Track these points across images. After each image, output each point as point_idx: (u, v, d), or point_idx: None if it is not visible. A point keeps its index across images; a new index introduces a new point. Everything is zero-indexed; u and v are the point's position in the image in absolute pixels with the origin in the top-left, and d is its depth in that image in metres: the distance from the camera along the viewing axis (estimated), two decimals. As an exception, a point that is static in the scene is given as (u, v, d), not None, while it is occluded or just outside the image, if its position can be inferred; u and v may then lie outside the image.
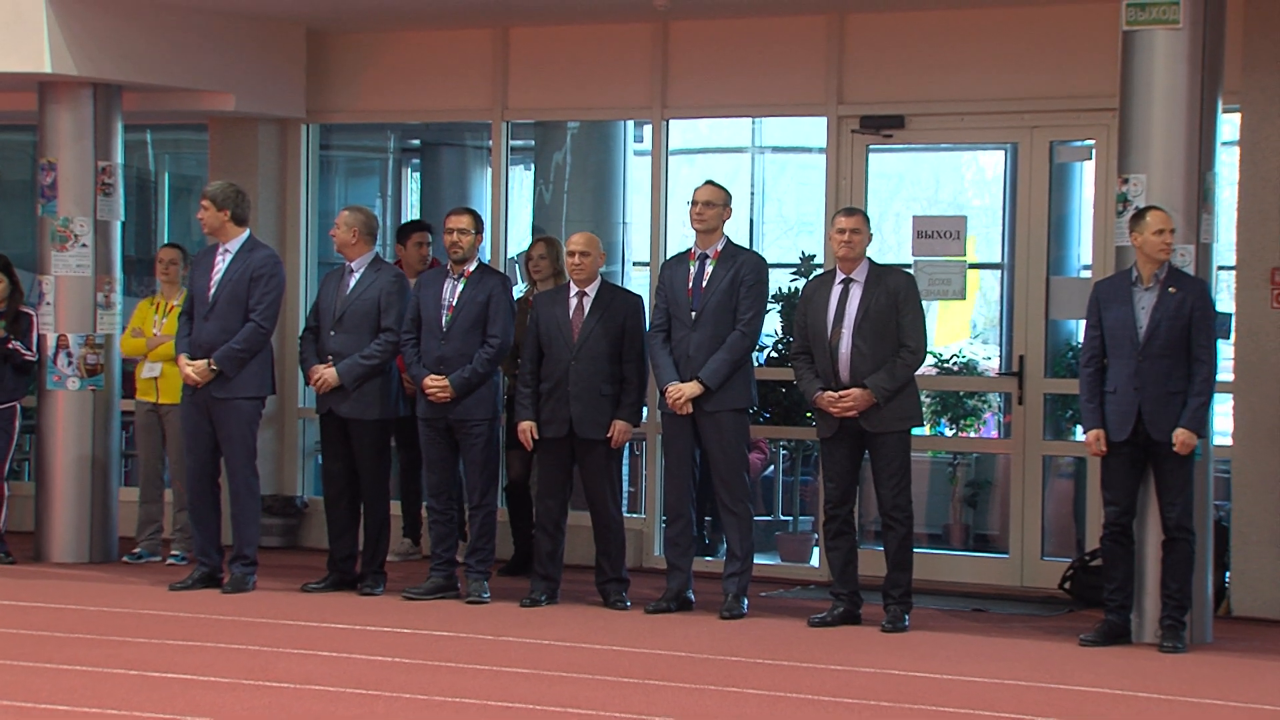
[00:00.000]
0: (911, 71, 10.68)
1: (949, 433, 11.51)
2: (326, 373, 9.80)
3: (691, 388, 9.34)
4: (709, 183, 9.59)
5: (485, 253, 10.76)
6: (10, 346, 10.72)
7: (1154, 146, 8.90)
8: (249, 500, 9.96)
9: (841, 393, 9.05)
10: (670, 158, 11.33)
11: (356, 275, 9.98)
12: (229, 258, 9.93)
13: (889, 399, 9.03)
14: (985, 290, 12.47)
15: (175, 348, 10.06)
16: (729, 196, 9.56)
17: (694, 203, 9.51)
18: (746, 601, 9.48)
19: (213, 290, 9.87)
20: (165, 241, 12.27)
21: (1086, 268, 10.75)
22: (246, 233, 10.01)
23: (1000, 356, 11.43)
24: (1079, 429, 10.63)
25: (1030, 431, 10.51)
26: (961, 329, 12.55)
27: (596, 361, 9.56)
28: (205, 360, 9.78)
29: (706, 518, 11.13)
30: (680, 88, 11.21)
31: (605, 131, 12.37)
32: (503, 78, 11.60)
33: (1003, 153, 11.33)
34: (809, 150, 12.27)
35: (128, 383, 11.17)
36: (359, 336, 9.88)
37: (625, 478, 10.76)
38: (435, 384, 9.64)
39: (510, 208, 11.71)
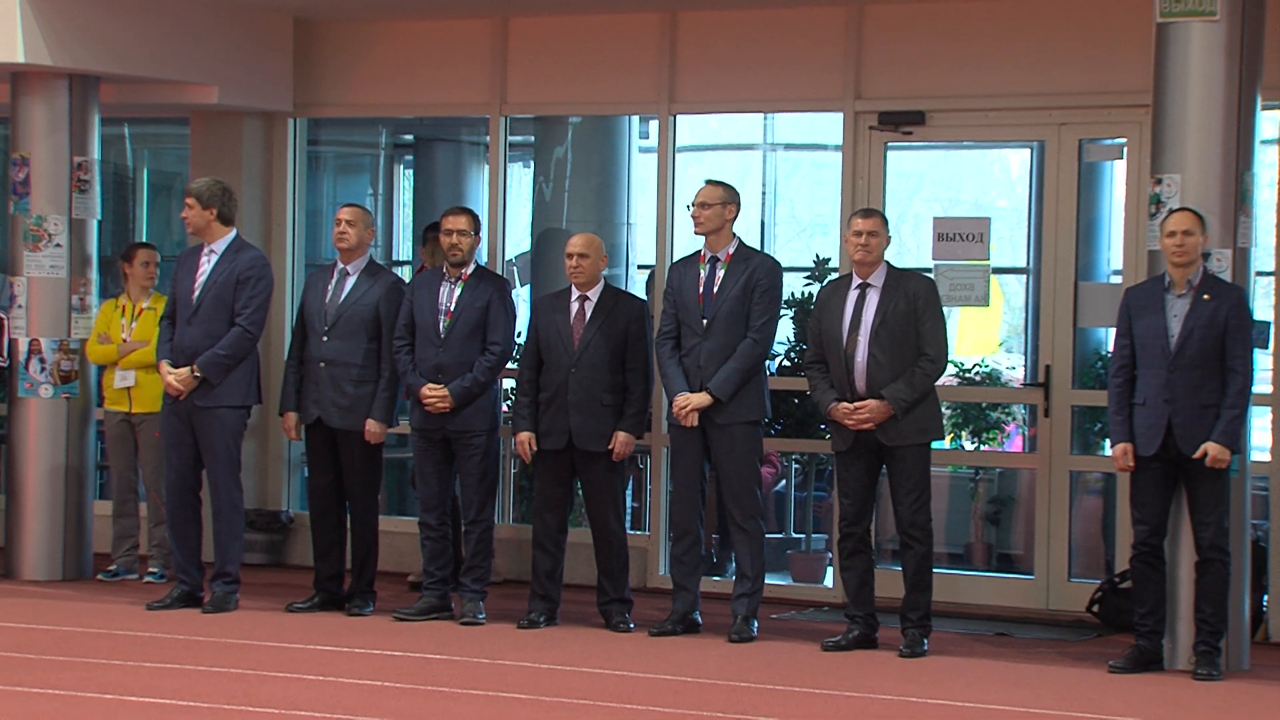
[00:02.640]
0: (933, 65, 10.69)
1: (970, 446, 11.50)
2: (439, 394, 9.68)
3: (700, 398, 9.34)
4: (707, 182, 9.59)
5: (482, 254, 10.74)
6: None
7: (1189, 145, 8.91)
8: (232, 515, 9.96)
9: (857, 404, 9.04)
10: (678, 155, 11.33)
11: (353, 279, 9.98)
12: (214, 259, 9.93)
13: (908, 410, 9.03)
14: (1009, 296, 12.47)
15: (156, 354, 10.06)
16: (730, 195, 9.52)
17: (689, 205, 9.52)
18: (756, 624, 9.47)
19: (197, 293, 9.88)
20: (144, 240, 12.27)
21: (1117, 273, 10.75)
22: (233, 233, 10.02)
23: (1025, 366, 11.43)
24: (1108, 443, 10.64)
25: (1057, 445, 10.50)
26: (989, 341, 12.54)
27: (597, 370, 9.57)
28: (188, 367, 9.78)
29: (715, 535, 11.13)
30: (689, 81, 11.22)
31: (609, 127, 12.39)
32: (501, 70, 11.61)
33: (1029, 151, 11.33)
34: (824, 148, 12.29)
35: (98, 391, 11.15)
36: (353, 343, 9.88)
37: (629, 492, 10.76)
38: (434, 394, 9.64)
39: (509, 207, 11.71)
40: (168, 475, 10.03)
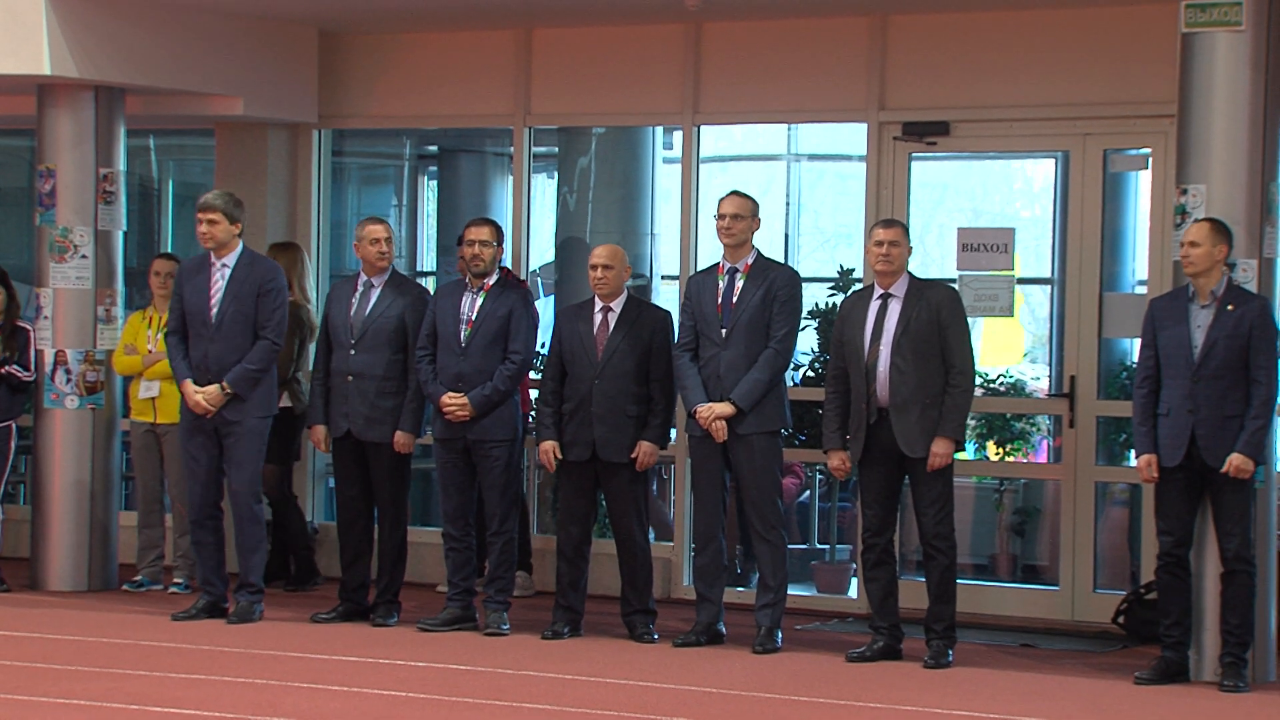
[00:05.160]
0: (957, 76, 10.68)
1: (995, 457, 11.48)
2: (458, 402, 9.72)
3: (723, 408, 9.35)
4: (734, 193, 9.59)
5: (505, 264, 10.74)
6: (5, 371, 10.74)
7: (1214, 155, 8.90)
8: (253, 527, 9.98)
9: (934, 451, 8.98)
10: (701, 165, 11.34)
11: (378, 290, 10.00)
12: (228, 273, 9.93)
13: (964, 430, 9.08)
14: (1034, 307, 12.45)
15: (174, 372, 10.04)
16: (757, 206, 9.56)
17: (720, 215, 9.52)
18: (781, 635, 9.47)
19: (215, 309, 9.87)
20: (168, 251, 12.30)
21: (1142, 284, 10.73)
22: (241, 244, 10.04)
23: (1050, 377, 11.41)
24: (1133, 453, 10.61)
25: (1082, 456, 10.48)
26: (1014, 352, 12.52)
27: (621, 381, 9.57)
28: (217, 385, 9.80)
29: (738, 546, 11.12)
30: (713, 92, 11.22)
31: (633, 138, 12.39)
32: (525, 81, 11.63)
33: (1053, 161, 11.31)
34: (848, 158, 12.28)
35: (123, 402, 11.18)
36: (380, 355, 9.90)
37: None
38: (453, 402, 9.66)
39: (533, 218, 11.73)
40: (190, 488, 10.05)
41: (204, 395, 9.80)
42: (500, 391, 9.68)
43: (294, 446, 11.03)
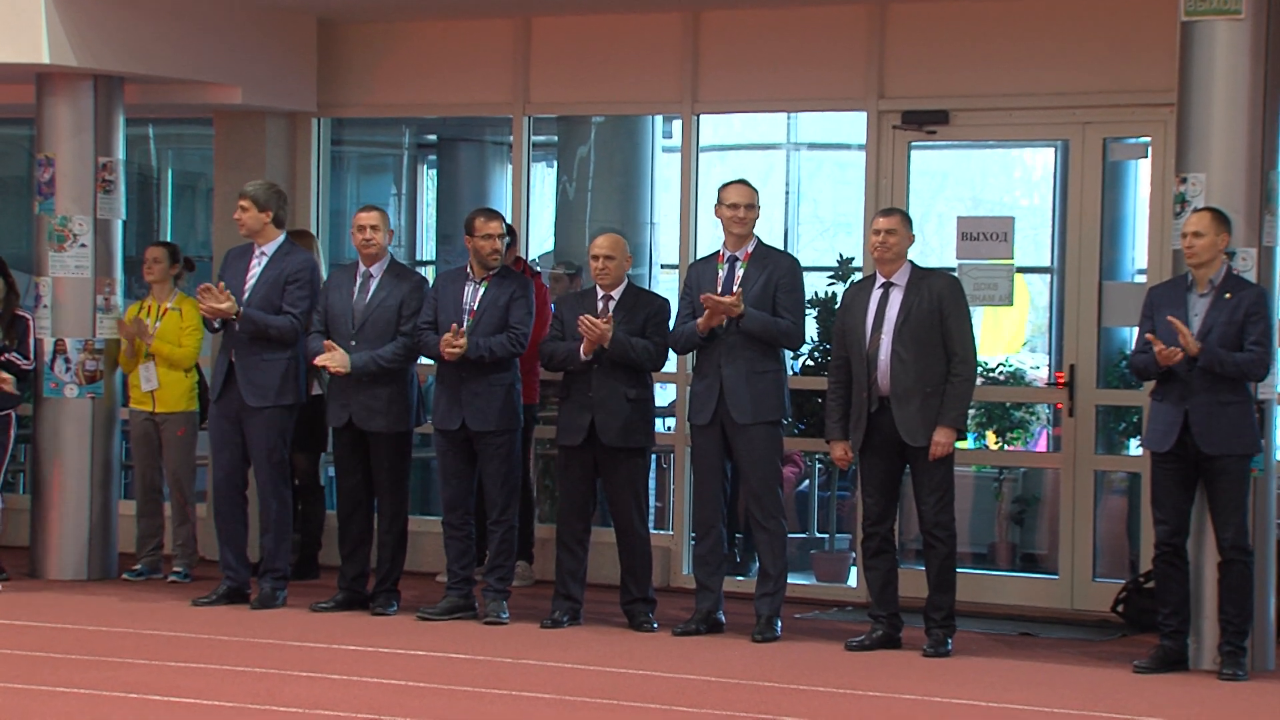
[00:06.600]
0: (957, 64, 10.68)
1: (994, 446, 11.49)
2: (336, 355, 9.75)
3: (731, 300, 9.26)
4: (743, 182, 9.58)
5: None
6: (5, 359, 10.74)
7: (1214, 144, 8.89)
8: (282, 513, 10.06)
9: (935, 440, 8.98)
10: (701, 154, 11.34)
11: (376, 280, 10.00)
12: (264, 261, 10.02)
13: (965, 419, 9.09)
14: (1033, 296, 12.45)
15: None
16: (758, 195, 9.59)
17: (734, 205, 9.49)
18: (780, 623, 9.48)
19: (246, 295, 9.97)
20: (165, 239, 12.29)
21: (1141, 272, 10.74)
22: (283, 235, 10.09)
23: (1049, 366, 11.41)
24: (1133, 443, 10.63)
25: (1081, 445, 10.48)
26: (1015, 340, 12.53)
27: (620, 365, 9.56)
28: (237, 306, 9.85)
29: (738, 534, 11.13)
30: (712, 81, 11.22)
31: (632, 127, 12.40)
32: (524, 70, 11.62)
33: (1053, 150, 11.32)
34: (847, 147, 12.29)
35: (122, 391, 11.17)
36: (380, 345, 9.89)
37: (651, 491, 10.78)
38: (452, 337, 9.58)
39: (532, 206, 11.73)
40: (214, 474, 10.10)
41: (229, 303, 9.82)
42: (494, 353, 9.62)
43: (323, 434, 10.94)
